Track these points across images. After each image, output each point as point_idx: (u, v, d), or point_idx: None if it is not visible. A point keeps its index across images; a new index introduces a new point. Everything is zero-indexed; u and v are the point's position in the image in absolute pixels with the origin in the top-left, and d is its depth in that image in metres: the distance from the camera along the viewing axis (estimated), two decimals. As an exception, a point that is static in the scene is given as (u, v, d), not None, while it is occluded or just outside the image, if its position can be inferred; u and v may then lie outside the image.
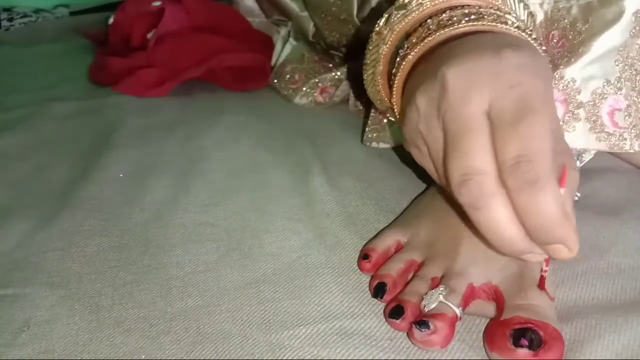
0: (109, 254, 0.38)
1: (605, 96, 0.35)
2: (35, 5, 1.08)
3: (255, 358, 0.29)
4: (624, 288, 0.33)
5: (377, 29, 0.34)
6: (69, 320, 0.32)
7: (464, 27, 0.29)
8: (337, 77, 0.61)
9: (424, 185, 0.43)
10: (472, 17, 0.29)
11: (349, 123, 0.57)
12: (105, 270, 0.36)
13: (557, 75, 0.35)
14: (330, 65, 0.62)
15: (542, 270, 0.30)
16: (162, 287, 0.34)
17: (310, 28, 0.62)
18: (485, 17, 0.29)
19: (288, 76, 0.64)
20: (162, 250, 0.38)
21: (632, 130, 0.35)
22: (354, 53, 0.61)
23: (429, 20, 0.31)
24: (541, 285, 0.30)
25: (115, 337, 0.31)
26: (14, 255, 0.38)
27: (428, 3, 0.31)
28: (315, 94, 0.62)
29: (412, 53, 0.31)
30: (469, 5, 0.30)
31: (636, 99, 0.34)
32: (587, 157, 0.39)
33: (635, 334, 0.29)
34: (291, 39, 0.67)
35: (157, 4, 0.72)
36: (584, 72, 0.35)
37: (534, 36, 0.30)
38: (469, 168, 0.24)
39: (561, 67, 0.35)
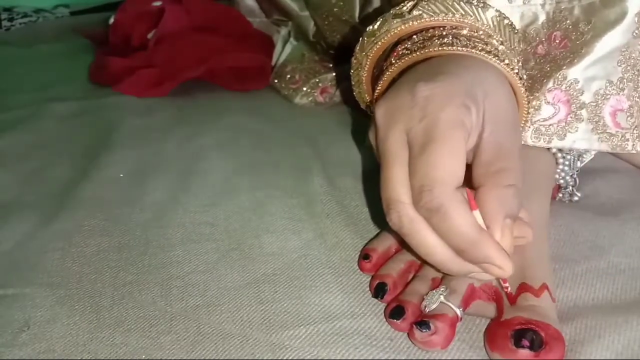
0: (109, 254, 0.38)
1: (607, 97, 0.35)
2: (36, 5, 1.08)
3: (255, 358, 0.29)
4: (624, 288, 0.33)
5: (354, 54, 0.37)
6: (69, 320, 0.32)
7: (413, 57, 0.32)
8: (336, 77, 0.61)
9: (424, 186, 0.43)
10: (418, 44, 0.32)
11: (349, 123, 0.57)
12: (105, 270, 0.36)
13: (560, 76, 0.35)
14: (331, 65, 0.62)
15: (502, 287, 0.30)
16: (162, 287, 0.34)
17: (311, 28, 0.62)
18: (434, 41, 0.32)
19: (288, 76, 0.64)
20: (162, 250, 0.38)
21: (634, 131, 0.35)
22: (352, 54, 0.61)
23: (398, 47, 0.33)
24: (510, 300, 0.30)
25: (115, 337, 0.31)
26: (14, 255, 0.38)
27: (393, 31, 0.34)
28: (316, 94, 0.62)
29: (380, 81, 0.34)
30: (424, 30, 0.33)
31: (638, 100, 0.34)
32: (587, 157, 0.39)
33: (635, 334, 0.29)
34: (291, 39, 0.67)
35: (157, 4, 0.72)
36: (586, 73, 0.35)
37: (489, 48, 0.32)
38: (388, 199, 0.27)
39: (564, 67, 0.35)
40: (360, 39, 0.36)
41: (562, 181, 0.39)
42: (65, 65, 0.78)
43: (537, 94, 0.35)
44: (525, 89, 0.32)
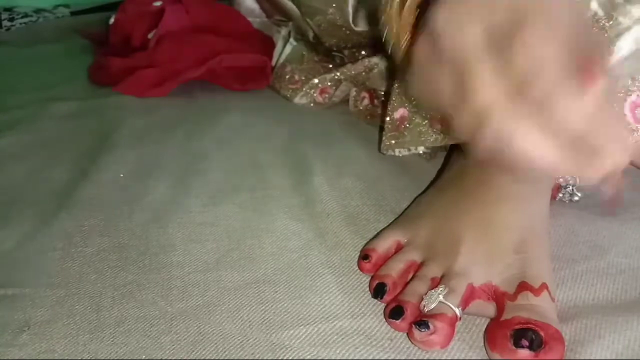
0: (109, 254, 0.38)
1: (629, 93, 0.35)
2: (36, 5, 1.08)
3: (255, 358, 0.29)
4: (624, 288, 0.33)
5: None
6: (69, 320, 0.32)
7: None
8: (337, 77, 0.61)
9: (424, 186, 0.43)
10: None
11: (349, 123, 0.57)
12: (105, 270, 0.36)
13: None
14: (330, 66, 0.62)
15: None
16: (162, 287, 0.34)
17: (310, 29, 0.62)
18: None
19: (288, 76, 0.64)
20: (162, 250, 0.38)
21: None
22: (354, 55, 0.61)
23: None
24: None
25: (115, 337, 0.31)
26: (14, 255, 0.38)
27: None
28: (315, 94, 0.62)
29: None
30: None
31: None
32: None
33: (635, 334, 0.29)
34: (291, 39, 0.67)
35: (158, 4, 0.72)
36: (613, 72, 0.35)
37: None
38: (483, 106, 0.23)
39: None
40: None
41: (561, 180, 0.39)
42: (65, 65, 0.78)
43: None
44: None
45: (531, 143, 0.22)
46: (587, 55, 0.22)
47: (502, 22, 0.22)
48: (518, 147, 0.23)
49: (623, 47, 0.34)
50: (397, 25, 0.32)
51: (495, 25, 0.22)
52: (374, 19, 0.55)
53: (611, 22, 0.34)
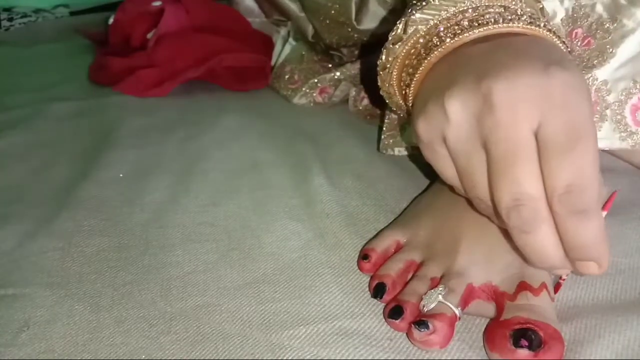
0: (109, 254, 0.38)
1: (630, 96, 0.35)
2: (35, 5, 1.08)
3: (255, 358, 0.29)
4: (624, 288, 0.33)
5: (382, 52, 0.32)
6: (69, 320, 0.32)
7: (498, 28, 0.28)
8: (336, 77, 0.61)
9: (424, 185, 0.43)
10: (508, 17, 0.28)
11: (349, 123, 0.57)
12: (105, 270, 0.36)
13: (591, 78, 0.35)
14: (330, 66, 0.62)
15: (561, 278, 0.31)
16: (162, 287, 0.34)
17: (310, 29, 0.62)
18: (520, 17, 0.28)
19: (287, 76, 0.64)
20: (162, 250, 0.38)
21: None
22: (353, 54, 0.61)
23: (459, 16, 0.29)
24: (556, 290, 0.31)
25: (115, 337, 0.31)
26: (14, 255, 0.38)
27: (439, 13, 0.29)
28: (315, 94, 0.62)
29: (439, 49, 0.29)
30: (491, 5, 0.29)
31: None
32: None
33: (635, 333, 0.29)
34: (291, 39, 0.67)
35: (157, 4, 0.72)
36: (616, 74, 0.35)
37: (561, 38, 0.29)
38: (521, 194, 0.24)
39: (595, 68, 0.34)
40: (410, 10, 0.31)
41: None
42: (65, 65, 0.78)
43: None
44: None
45: (545, 243, 0.25)
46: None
47: (560, 122, 0.24)
48: (532, 241, 0.25)
49: (627, 49, 0.34)
50: (390, 76, 0.33)
51: (554, 122, 0.24)
52: (375, 19, 0.55)
53: (615, 25, 0.34)
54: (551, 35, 0.28)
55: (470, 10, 0.29)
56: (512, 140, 0.24)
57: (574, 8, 0.34)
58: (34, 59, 0.83)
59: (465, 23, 0.29)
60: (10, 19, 1.01)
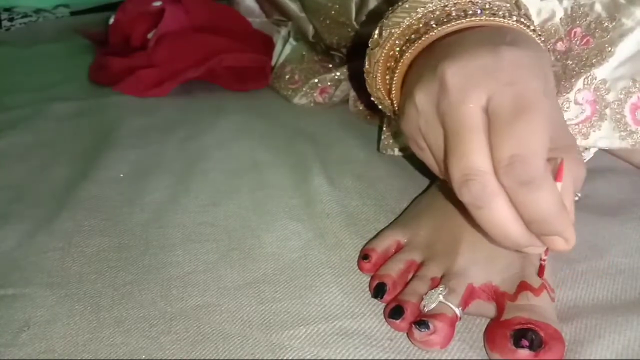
0: (109, 254, 0.38)
1: (630, 95, 0.35)
2: (36, 5, 1.08)
3: (255, 358, 0.29)
4: (624, 288, 0.33)
5: (369, 46, 0.33)
6: (69, 320, 0.32)
7: (461, 23, 0.29)
8: (336, 77, 0.61)
9: (424, 185, 0.43)
10: (470, 12, 0.29)
11: (349, 123, 0.57)
12: (105, 270, 0.36)
13: (590, 76, 0.35)
14: (330, 66, 0.62)
15: (541, 259, 0.30)
16: (162, 287, 0.34)
17: (310, 29, 0.62)
18: (485, 11, 0.29)
19: (288, 76, 0.64)
20: (162, 250, 0.38)
21: None
22: (353, 54, 0.61)
23: (429, 16, 0.31)
24: (540, 273, 0.30)
25: (115, 337, 0.31)
26: (14, 255, 0.38)
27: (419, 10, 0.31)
28: (315, 94, 0.62)
29: (410, 50, 0.31)
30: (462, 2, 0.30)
31: None
32: (587, 157, 0.39)
33: (635, 333, 0.29)
34: (291, 39, 0.67)
35: (157, 4, 0.72)
36: (615, 73, 0.35)
37: (533, 28, 0.30)
38: (469, 168, 0.24)
39: (594, 67, 0.35)
40: (386, 15, 0.32)
41: (561, 181, 0.39)
42: (65, 65, 0.78)
43: (566, 95, 0.35)
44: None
45: (500, 217, 0.25)
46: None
47: (506, 96, 0.24)
48: (487, 216, 0.25)
49: (626, 48, 0.34)
50: (378, 57, 0.34)
51: (499, 96, 0.24)
52: (375, 19, 0.55)
53: (614, 24, 0.34)
54: (518, 25, 0.29)
55: (438, 11, 0.30)
56: (461, 116, 0.25)
57: (573, 7, 0.34)
58: (34, 59, 0.83)
59: (433, 23, 0.30)
60: (11, 19, 1.01)
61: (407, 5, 0.31)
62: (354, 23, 0.56)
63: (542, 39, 0.31)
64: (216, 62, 0.66)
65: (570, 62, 0.35)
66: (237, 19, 0.72)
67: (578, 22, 0.35)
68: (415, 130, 0.28)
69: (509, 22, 0.29)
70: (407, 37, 0.31)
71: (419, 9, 0.30)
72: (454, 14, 0.30)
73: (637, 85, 0.35)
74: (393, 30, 0.31)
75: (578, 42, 0.35)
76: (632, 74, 0.34)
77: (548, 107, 0.24)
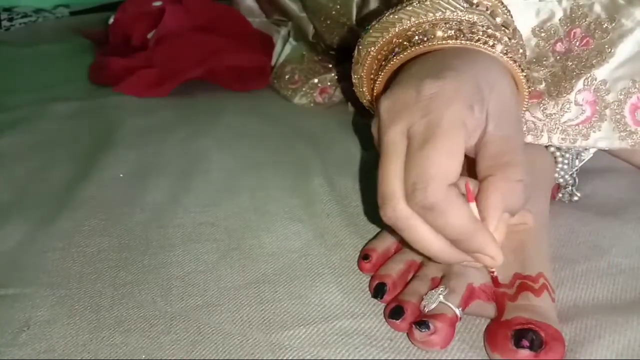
0: (109, 254, 0.38)
1: (630, 95, 0.35)
2: (36, 5, 1.08)
3: (255, 358, 0.29)
4: (624, 288, 0.33)
5: (356, 50, 0.35)
6: (69, 320, 0.32)
7: (416, 50, 0.31)
8: (336, 77, 0.61)
9: (424, 186, 0.43)
10: (421, 37, 0.31)
11: (349, 123, 0.57)
12: (105, 270, 0.36)
13: (590, 77, 0.35)
14: (330, 66, 0.62)
15: (489, 270, 0.31)
16: (162, 287, 0.34)
17: (310, 29, 0.62)
18: (436, 34, 0.31)
19: (288, 76, 0.64)
20: (162, 250, 0.38)
21: None
22: (348, 55, 0.61)
23: (402, 35, 0.32)
24: (494, 283, 0.31)
25: (115, 337, 0.31)
26: (14, 255, 0.38)
27: (395, 27, 0.32)
28: (315, 94, 0.62)
29: (380, 73, 0.34)
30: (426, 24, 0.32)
31: None
32: (586, 156, 0.39)
33: (635, 334, 0.29)
34: (291, 39, 0.67)
35: (157, 4, 0.72)
36: (615, 74, 0.35)
37: (505, 40, 0.31)
38: (383, 194, 0.27)
39: (594, 68, 0.35)
40: (362, 35, 0.35)
41: (561, 180, 0.39)
42: (65, 65, 0.78)
43: (566, 96, 0.35)
44: (527, 81, 0.32)
45: (420, 237, 0.27)
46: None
47: (419, 127, 0.26)
48: (408, 237, 0.27)
49: (625, 49, 0.34)
50: (360, 74, 0.36)
51: (415, 127, 0.26)
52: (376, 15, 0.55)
53: (614, 24, 0.34)
54: (489, 49, 0.30)
55: (402, 37, 0.32)
56: (383, 145, 0.28)
57: (572, 8, 0.34)
58: (34, 59, 0.83)
59: (397, 48, 0.32)
60: (11, 19, 1.01)
61: (377, 26, 0.33)
62: (355, 23, 0.56)
63: (520, 49, 0.32)
64: (216, 62, 0.66)
65: (570, 63, 0.35)
66: (237, 18, 0.72)
67: (577, 22, 0.35)
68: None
69: (469, 44, 0.30)
70: (384, 55, 0.33)
71: (391, 29, 0.32)
72: (415, 38, 0.31)
73: (637, 86, 0.35)
74: (370, 49, 0.34)
75: (578, 43, 0.35)
76: (632, 75, 0.35)
77: (461, 133, 0.26)
